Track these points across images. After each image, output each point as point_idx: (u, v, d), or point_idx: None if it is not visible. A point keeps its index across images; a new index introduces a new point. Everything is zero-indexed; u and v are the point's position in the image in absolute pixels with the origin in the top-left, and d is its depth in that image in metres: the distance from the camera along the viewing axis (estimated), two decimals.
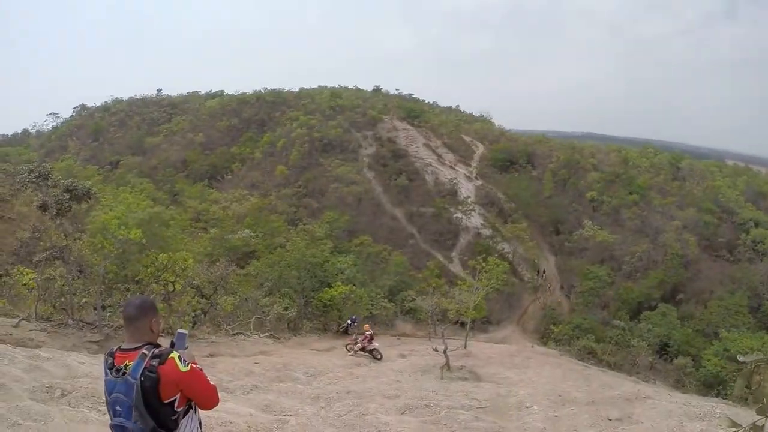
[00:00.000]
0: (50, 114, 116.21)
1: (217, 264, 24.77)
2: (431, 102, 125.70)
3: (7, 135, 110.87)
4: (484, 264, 28.88)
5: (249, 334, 19.54)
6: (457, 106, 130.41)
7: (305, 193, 72.26)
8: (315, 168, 77.93)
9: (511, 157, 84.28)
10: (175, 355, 3.28)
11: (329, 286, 29.13)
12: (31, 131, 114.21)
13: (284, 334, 23.93)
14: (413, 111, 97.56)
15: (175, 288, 18.87)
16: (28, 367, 9.91)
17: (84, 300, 19.91)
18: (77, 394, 8.62)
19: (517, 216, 69.55)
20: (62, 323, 17.33)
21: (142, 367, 3.18)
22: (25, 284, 19.89)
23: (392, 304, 35.10)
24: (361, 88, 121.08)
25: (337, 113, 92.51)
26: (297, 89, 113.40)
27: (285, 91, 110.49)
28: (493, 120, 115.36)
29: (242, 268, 32.75)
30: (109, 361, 3.30)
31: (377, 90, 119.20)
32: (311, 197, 70.87)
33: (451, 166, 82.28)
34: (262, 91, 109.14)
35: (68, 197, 35.42)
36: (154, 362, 3.20)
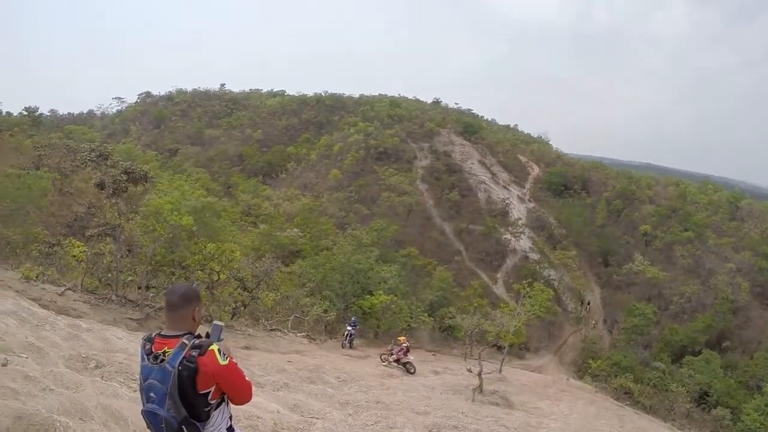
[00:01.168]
0: (115, 98, 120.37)
1: (263, 259, 24.95)
2: (489, 119, 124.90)
3: (73, 113, 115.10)
4: (529, 289, 28.29)
5: (286, 331, 19.57)
6: (516, 125, 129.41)
7: (356, 198, 72.40)
8: (368, 175, 78.22)
9: (566, 182, 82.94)
10: (215, 347, 3.19)
11: (371, 293, 29.07)
12: (96, 112, 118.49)
13: (320, 336, 23.93)
14: (471, 126, 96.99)
15: (219, 278, 19.11)
16: (68, 335, 10.13)
17: (129, 278, 20.58)
18: (111, 368, 8.69)
19: (566, 243, 68.37)
20: (106, 298, 17.74)
21: (182, 356, 3.10)
22: (74, 256, 20.62)
23: (431, 318, 34.65)
24: (420, 99, 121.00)
25: (395, 122, 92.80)
26: (357, 95, 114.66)
27: (345, 96, 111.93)
28: (550, 142, 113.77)
29: (287, 265, 32.95)
30: (147, 347, 3.24)
31: (436, 102, 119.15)
32: (362, 203, 70.96)
33: (504, 186, 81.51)
34: (323, 94, 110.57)
35: (126, 178, 36.59)
36: (194, 352, 3.12)
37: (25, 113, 60.41)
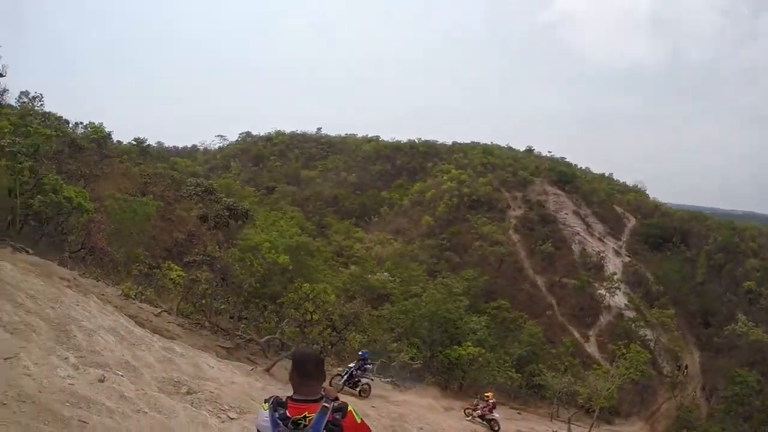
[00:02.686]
0: (218, 135, 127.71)
1: (354, 302, 25.20)
2: (583, 167, 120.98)
3: (178, 147, 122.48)
4: (625, 350, 26.99)
5: (371, 377, 19.55)
6: (611, 173, 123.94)
7: (448, 246, 71.95)
8: (460, 223, 77.70)
9: (664, 234, 79.12)
10: (351, 408, 3.29)
11: (458, 344, 28.57)
12: (199, 147, 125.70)
13: (405, 383, 23.68)
14: (565, 175, 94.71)
15: (312, 317, 19.47)
16: (162, 357, 10.53)
17: (222, 306, 21.39)
18: (201, 396, 8.90)
19: (664, 300, 64.73)
20: (198, 323, 18.62)
21: (325, 420, 3.16)
22: (171, 279, 21.87)
23: (519, 375, 33.44)
24: (513, 147, 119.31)
25: (488, 170, 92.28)
26: (450, 143, 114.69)
27: (438, 144, 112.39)
28: (647, 191, 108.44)
29: (375, 309, 33.16)
30: (281, 412, 3.21)
31: (529, 150, 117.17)
32: (453, 251, 70.47)
33: (599, 238, 78.89)
34: (416, 141, 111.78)
35: (227, 214, 38.71)
36: (337, 416, 3.20)
37: (134, 143, 65.17)
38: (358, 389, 18.20)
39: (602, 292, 63.76)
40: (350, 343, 23.64)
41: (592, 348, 54.59)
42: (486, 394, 21.51)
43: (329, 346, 22.68)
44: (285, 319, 20.47)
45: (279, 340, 19.82)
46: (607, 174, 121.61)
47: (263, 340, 19.54)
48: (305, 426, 3.14)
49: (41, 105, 46.66)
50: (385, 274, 46.35)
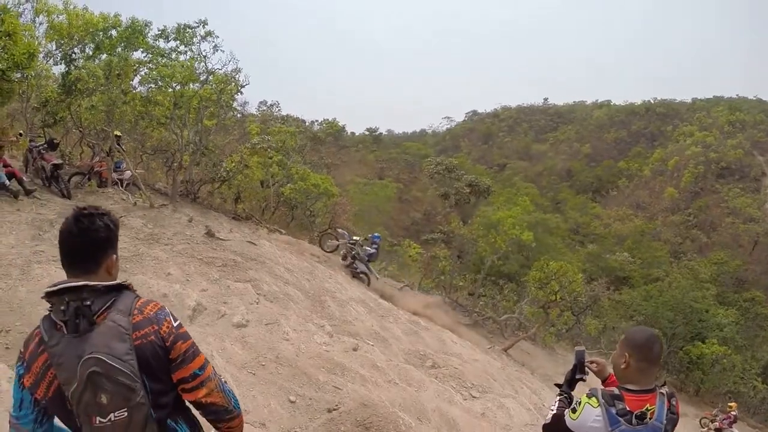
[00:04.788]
0: (445, 117, 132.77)
1: (595, 283, 24.02)
2: None
3: (407, 132, 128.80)
4: None
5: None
6: None
7: (695, 223, 65.31)
8: (709, 195, 69.83)
9: None
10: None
11: (702, 340, 25.42)
12: (428, 131, 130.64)
13: None
14: None
15: (556, 298, 19.06)
16: (408, 330, 10.89)
17: (460, 283, 22.01)
18: (446, 371, 8.94)
19: None
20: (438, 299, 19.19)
21: (665, 408, 2.77)
22: (410, 256, 22.94)
23: (765, 386, 27.14)
24: (764, 99, 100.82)
25: (736, 130, 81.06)
26: (689, 100, 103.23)
27: (676, 102, 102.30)
28: None
29: (613, 292, 31.23)
30: (620, 407, 2.71)
31: None
32: (700, 229, 63.73)
33: None
34: (652, 101, 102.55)
35: (468, 191, 39.64)
36: (673, 401, 2.82)
37: (366, 132, 69.96)
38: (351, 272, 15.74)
39: None
40: (587, 329, 22.65)
41: None
42: (729, 405, 19.04)
43: (565, 331, 22.08)
44: (525, 298, 20.34)
45: (517, 320, 19.78)
46: None
47: (502, 318, 19.60)
48: (650, 418, 2.73)
49: (278, 110, 53.03)
50: (625, 254, 43.68)
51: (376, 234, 17.03)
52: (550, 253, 27.90)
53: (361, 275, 15.55)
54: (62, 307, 1.81)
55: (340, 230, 17.04)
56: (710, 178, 72.46)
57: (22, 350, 1.91)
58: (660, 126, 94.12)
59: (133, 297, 1.94)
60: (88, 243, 1.91)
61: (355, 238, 16.29)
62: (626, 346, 2.82)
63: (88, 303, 1.82)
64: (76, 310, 1.80)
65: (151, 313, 1.94)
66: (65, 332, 1.81)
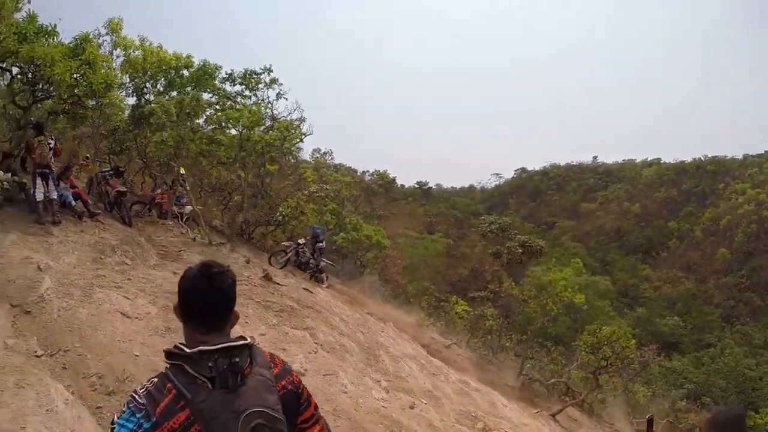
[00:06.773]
0: (494, 174, 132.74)
1: (645, 349, 23.42)
2: None
3: (456, 187, 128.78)
4: None
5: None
6: None
7: (748, 285, 63.01)
8: (762, 255, 67.17)
9: None
10: None
11: (755, 410, 24.38)
12: (476, 186, 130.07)
13: None
14: None
15: (608, 364, 18.64)
16: (458, 390, 10.89)
17: (507, 344, 21.66)
18: None
19: None
20: (485, 359, 18.97)
21: None
22: (456, 313, 22.73)
23: None
24: None
25: None
26: (740, 156, 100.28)
27: (727, 159, 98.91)
28: None
29: (663, 359, 30.32)
30: None
31: None
32: (755, 292, 61.38)
33: None
34: (702, 158, 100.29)
35: (521, 251, 39.45)
36: None
37: (416, 186, 70.76)
38: (312, 276, 15.66)
39: None
40: (635, 396, 21.99)
41: None
42: None
43: (612, 397, 21.50)
44: (574, 362, 19.94)
45: (565, 384, 19.38)
46: None
47: (549, 382, 19.30)
48: None
49: (332, 158, 54.11)
50: (675, 318, 42.52)
51: (315, 226, 17.10)
52: (599, 317, 27.41)
53: (323, 276, 15.86)
54: (210, 364, 1.85)
55: (284, 243, 16.52)
56: (764, 238, 69.86)
57: (143, 402, 1.80)
58: (711, 184, 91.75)
59: (260, 350, 2.08)
60: (221, 300, 2.01)
61: (300, 241, 16.19)
62: (712, 428, 2.58)
63: (237, 359, 1.92)
64: (228, 366, 1.89)
65: (282, 364, 2.12)
66: (211, 388, 1.83)
